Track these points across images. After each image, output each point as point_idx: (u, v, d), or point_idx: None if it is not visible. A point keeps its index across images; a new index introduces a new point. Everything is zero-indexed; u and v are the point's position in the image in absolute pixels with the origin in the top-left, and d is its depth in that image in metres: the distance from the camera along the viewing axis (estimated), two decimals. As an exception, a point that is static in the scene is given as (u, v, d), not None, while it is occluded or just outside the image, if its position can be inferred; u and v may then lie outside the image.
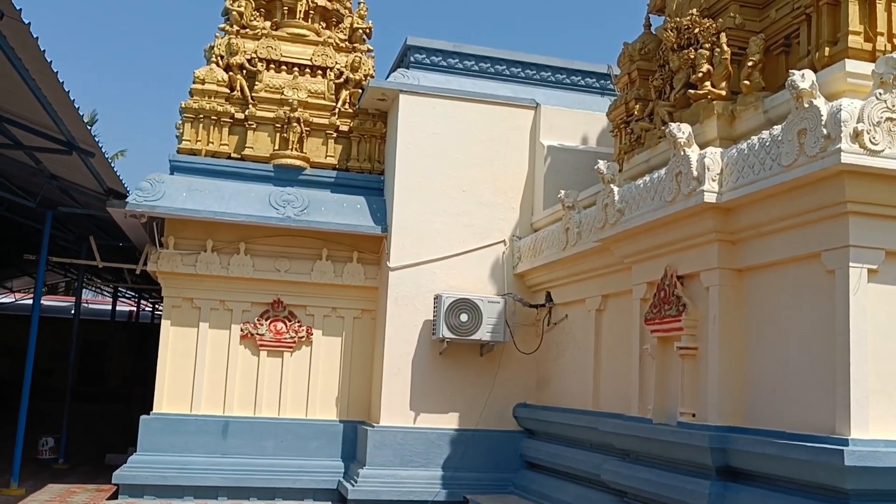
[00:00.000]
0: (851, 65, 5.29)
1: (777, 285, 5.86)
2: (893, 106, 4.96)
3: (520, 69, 11.43)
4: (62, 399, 13.58)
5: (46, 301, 32.11)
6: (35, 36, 5.07)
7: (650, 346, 7.05)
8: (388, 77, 11.42)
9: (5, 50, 5.23)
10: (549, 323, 9.81)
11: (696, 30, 6.88)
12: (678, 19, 7.17)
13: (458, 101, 10.50)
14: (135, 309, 25.12)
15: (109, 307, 20.68)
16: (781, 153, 5.37)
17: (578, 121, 10.72)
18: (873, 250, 5.15)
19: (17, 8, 4.62)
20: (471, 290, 10.07)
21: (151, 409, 10.12)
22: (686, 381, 6.55)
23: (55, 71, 5.68)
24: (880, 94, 4.98)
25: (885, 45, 5.54)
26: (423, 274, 10.10)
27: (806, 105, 5.18)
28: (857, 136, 4.90)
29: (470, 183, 10.35)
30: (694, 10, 7.06)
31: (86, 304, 21.35)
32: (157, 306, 28.80)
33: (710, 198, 6.03)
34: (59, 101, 6.40)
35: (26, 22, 4.82)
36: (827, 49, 5.68)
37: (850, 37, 5.55)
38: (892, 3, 5.65)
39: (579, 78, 11.64)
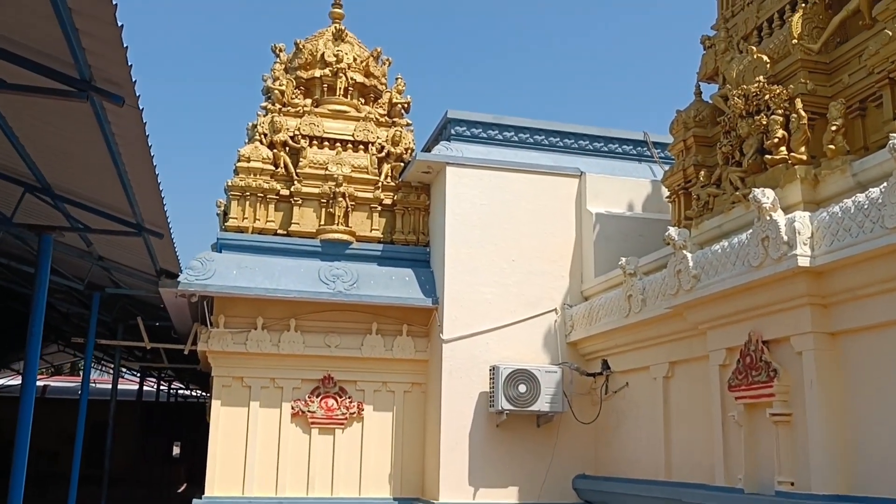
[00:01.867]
0: (952, 127, 5.35)
1: (879, 348, 5.81)
2: None
3: (558, 138, 11.55)
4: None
5: (51, 382, 31.72)
6: (144, 121, 5.07)
7: (736, 414, 6.94)
8: (426, 149, 11.55)
9: (108, 138, 5.25)
10: (607, 391, 9.69)
11: (767, 96, 6.98)
12: (745, 87, 7.27)
13: (502, 171, 10.57)
14: (137, 387, 24.79)
15: (110, 386, 20.27)
16: (885, 215, 5.38)
17: (622, 188, 10.79)
18: None
19: (137, 94, 4.62)
20: (524, 360, 9.97)
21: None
22: (782, 449, 6.43)
23: (152, 154, 5.68)
24: None
25: (976, 108, 5.61)
26: (476, 345, 10.00)
27: (909, 167, 5.21)
28: (969, 197, 4.92)
29: (518, 252, 10.35)
30: (761, 78, 7.18)
31: (93, 384, 21.03)
32: (171, 384, 28.48)
33: (803, 262, 6.01)
34: (142, 185, 6.40)
35: (141, 108, 4.83)
36: (918, 112, 5.75)
37: (943, 100, 5.63)
38: (978, 67, 5.75)
39: (617, 145, 11.76)
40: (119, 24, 3.79)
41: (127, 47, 4.06)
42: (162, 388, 28.05)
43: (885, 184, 5.47)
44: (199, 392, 30.68)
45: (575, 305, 10.23)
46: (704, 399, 7.65)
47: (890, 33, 6.00)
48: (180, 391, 31.08)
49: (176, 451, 29.81)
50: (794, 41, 7.06)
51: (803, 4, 7.28)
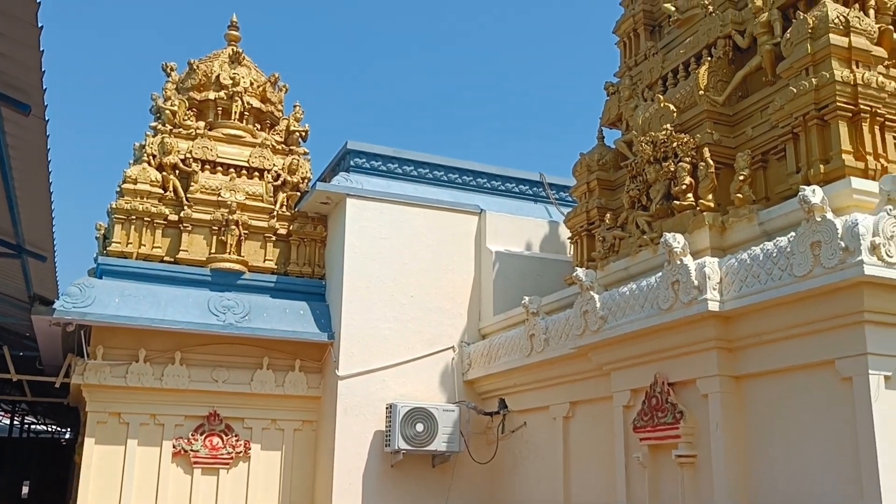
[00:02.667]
0: (856, 182, 5.61)
1: (782, 392, 5.98)
2: (902, 221, 5.27)
3: (458, 175, 11.55)
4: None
5: None
6: (48, 133, 4.65)
7: (641, 455, 6.99)
8: (323, 179, 11.30)
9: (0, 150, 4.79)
10: (504, 431, 9.62)
11: (674, 144, 7.17)
12: (653, 134, 7.45)
13: (403, 205, 10.45)
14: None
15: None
16: (793, 264, 5.57)
17: (521, 227, 10.87)
18: (888, 358, 5.36)
19: (45, 104, 4.23)
20: (422, 398, 9.79)
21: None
22: (686, 491, 6.51)
23: (50, 171, 5.22)
24: (890, 209, 5.29)
25: (875, 164, 5.93)
26: (372, 382, 9.75)
27: (818, 219, 5.42)
28: (874, 249, 5.16)
29: (417, 288, 10.21)
30: (668, 126, 7.38)
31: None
32: (24, 418, 26.48)
33: (713, 306, 6.14)
34: (32, 203, 5.88)
35: (47, 119, 4.42)
36: (822, 167, 6.02)
37: (844, 155, 5.92)
38: (875, 126, 6.09)
39: (514, 185, 11.87)
40: (39, 24, 3.44)
41: (43, 51, 3.69)
42: (14, 421, 26.07)
43: (793, 233, 5.67)
44: (54, 427, 28.70)
45: (473, 343, 10.16)
46: (606, 440, 7.69)
47: (795, 90, 6.28)
48: (33, 426, 28.98)
49: (25, 491, 27.72)
50: (701, 92, 7.30)
51: (708, 58, 7.56)
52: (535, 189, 12.02)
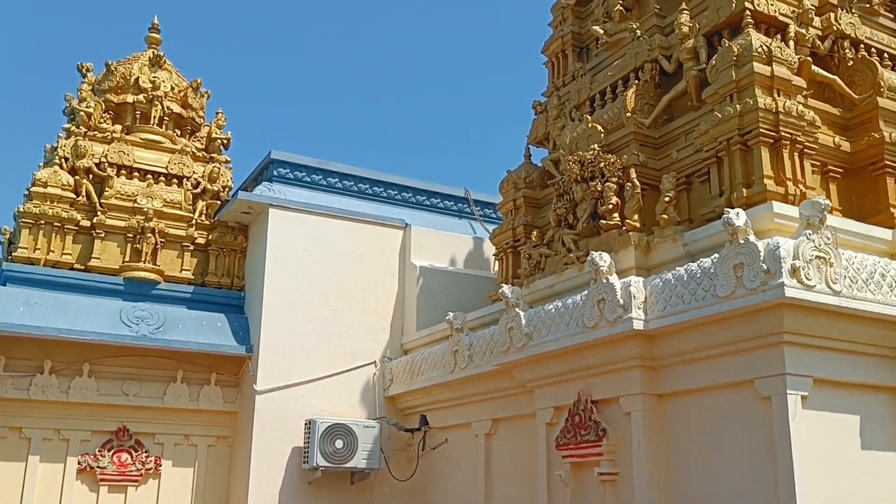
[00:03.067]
0: (777, 206, 5.77)
1: (703, 411, 6.08)
2: (821, 245, 5.44)
3: (383, 189, 11.46)
4: None
5: None
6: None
7: (563, 473, 7.00)
8: (245, 188, 11.03)
9: None
10: (425, 447, 9.53)
11: (602, 164, 7.26)
12: (580, 153, 7.53)
13: (327, 217, 10.29)
14: None
15: None
16: (716, 285, 5.68)
17: (445, 242, 10.84)
18: (804, 378, 5.51)
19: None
20: (342, 413, 9.62)
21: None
22: (608, 508, 6.55)
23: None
24: (809, 234, 5.45)
25: (794, 189, 6.12)
26: (291, 397, 9.52)
27: (741, 241, 5.55)
28: (794, 272, 5.30)
29: (340, 302, 10.05)
30: (595, 146, 7.47)
31: None
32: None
33: (637, 325, 6.21)
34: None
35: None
36: (745, 191, 6.17)
37: (766, 180, 6.09)
38: (794, 153, 6.29)
39: (439, 200, 11.86)
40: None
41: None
42: None
43: (716, 255, 5.79)
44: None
45: (395, 359, 10.05)
46: (529, 457, 7.68)
47: (720, 115, 6.44)
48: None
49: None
50: (628, 114, 7.42)
51: (636, 81, 7.70)
52: (460, 205, 12.02)
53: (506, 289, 7.69)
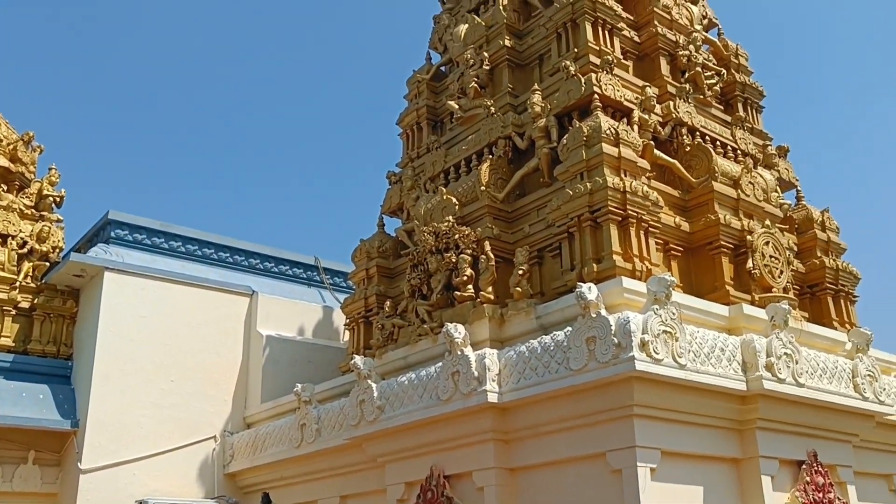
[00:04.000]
0: (626, 281, 5.96)
1: (556, 484, 6.08)
2: (667, 320, 5.65)
3: (229, 254, 11.08)
4: None
5: None
6: None
7: (414, 551, 6.78)
8: (78, 250, 10.39)
9: None
10: (267, 527, 9.02)
11: (456, 236, 7.30)
12: (435, 225, 7.55)
13: (168, 282, 9.77)
14: None
15: None
16: (569, 358, 5.75)
17: (294, 311, 10.54)
18: (653, 450, 5.63)
19: None
20: (177, 493, 8.98)
21: None
22: (460, 587, 6.37)
23: None
24: (656, 309, 5.65)
25: (640, 265, 6.36)
26: (121, 476, 8.81)
27: (594, 315, 5.67)
28: (643, 345, 5.46)
29: (179, 372, 9.49)
30: (450, 217, 7.52)
31: None
32: None
33: (492, 398, 6.18)
34: None
35: None
36: (595, 266, 6.36)
37: (615, 256, 6.31)
38: (641, 230, 6.57)
39: (288, 267, 11.59)
40: None
41: None
42: None
43: (568, 328, 5.89)
44: None
45: (237, 433, 9.55)
46: (378, 535, 7.41)
47: (571, 192, 6.65)
48: None
49: None
50: (482, 188, 7.54)
51: (489, 156, 7.86)
52: (309, 273, 11.79)
53: (357, 360, 7.50)
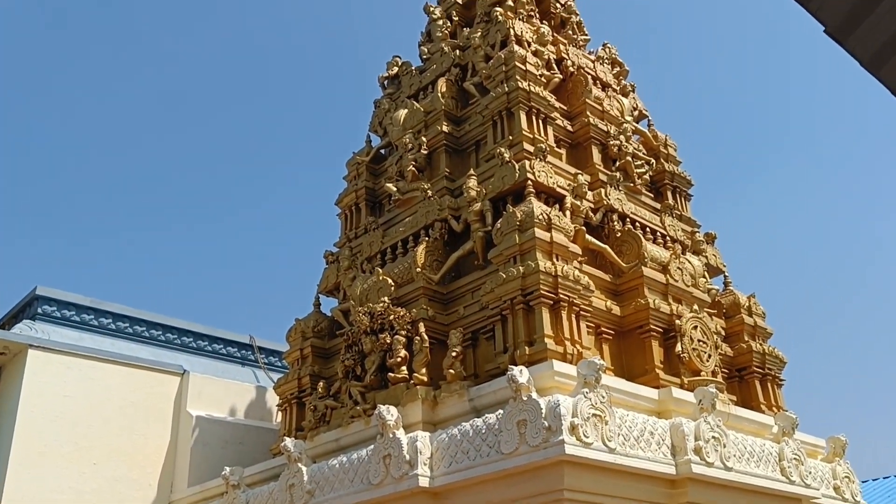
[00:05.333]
0: (557, 365, 6.02)
1: (486, 571, 5.99)
2: (597, 403, 5.71)
3: (161, 332, 10.87)
4: None
5: None
6: None
7: None
8: (3, 326, 10.06)
9: None
10: None
11: (391, 317, 7.32)
12: (370, 305, 7.57)
13: (97, 361, 9.52)
14: None
15: None
16: (501, 441, 5.75)
17: (226, 390, 10.32)
18: (581, 536, 5.60)
19: None
20: (95, 584, 8.55)
21: None
22: None
23: None
24: (586, 392, 5.71)
25: (572, 348, 6.45)
26: (34, 566, 8.37)
27: (524, 398, 5.70)
28: (573, 429, 5.49)
29: (103, 454, 9.16)
30: (386, 298, 7.54)
31: None
32: None
33: (423, 482, 6.11)
34: None
35: None
36: (527, 348, 6.42)
37: (547, 339, 6.38)
38: (572, 314, 6.67)
39: (221, 346, 11.40)
40: None
41: None
42: None
43: (500, 411, 5.90)
44: None
45: (161, 519, 9.20)
46: None
47: (504, 276, 6.75)
48: None
49: None
50: (418, 270, 7.61)
51: (425, 238, 7.96)
52: (243, 352, 11.61)
53: (288, 442, 7.37)
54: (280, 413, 9.00)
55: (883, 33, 2.17)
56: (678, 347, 7.23)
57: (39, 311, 9.93)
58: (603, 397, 5.77)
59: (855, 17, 2.19)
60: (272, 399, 10.20)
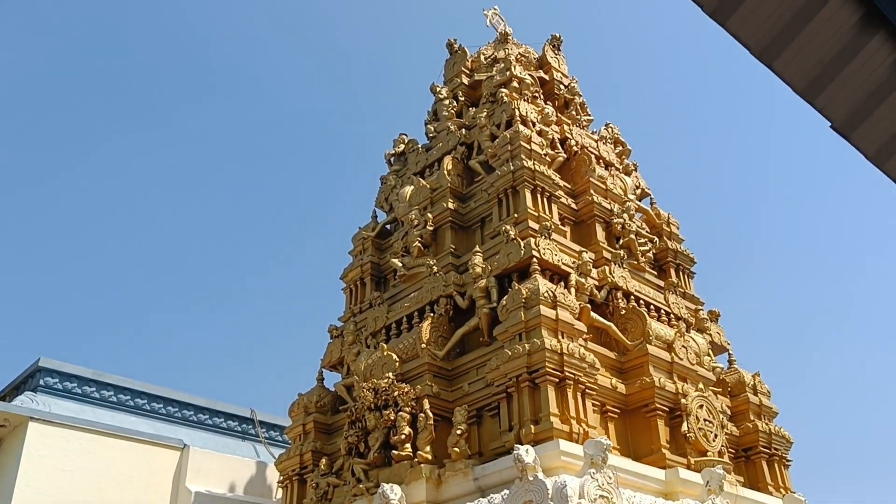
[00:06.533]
0: (564, 444, 5.98)
1: None
2: (604, 485, 5.66)
3: (161, 405, 10.80)
4: None
5: None
6: None
7: None
8: (2, 397, 10.00)
9: None
10: None
11: (395, 393, 7.29)
12: (375, 381, 7.54)
13: (96, 434, 9.43)
14: None
15: None
16: (507, 522, 5.68)
17: (226, 466, 10.20)
18: None
19: None
20: None
21: None
22: None
23: None
24: (593, 472, 5.67)
25: (578, 427, 6.40)
26: None
27: (531, 478, 5.66)
28: (581, 511, 5.43)
29: (99, 531, 9.00)
30: (390, 374, 7.53)
31: None
32: None
33: (428, 564, 6.01)
34: None
35: None
36: (532, 427, 6.38)
37: (552, 418, 6.35)
38: (578, 392, 6.65)
39: (222, 420, 11.30)
40: None
41: None
42: None
43: (506, 491, 5.85)
44: None
45: None
46: None
47: (509, 352, 6.76)
48: None
49: None
50: (423, 346, 7.61)
51: (431, 314, 7.98)
52: (244, 426, 11.50)
53: (291, 522, 7.25)
54: (281, 490, 8.88)
55: (886, 130, 2.26)
56: (684, 427, 7.17)
57: (41, 382, 9.89)
58: (610, 478, 5.72)
59: (859, 114, 2.27)
60: (273, 475, 10.07)
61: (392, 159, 10.58)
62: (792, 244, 29.18)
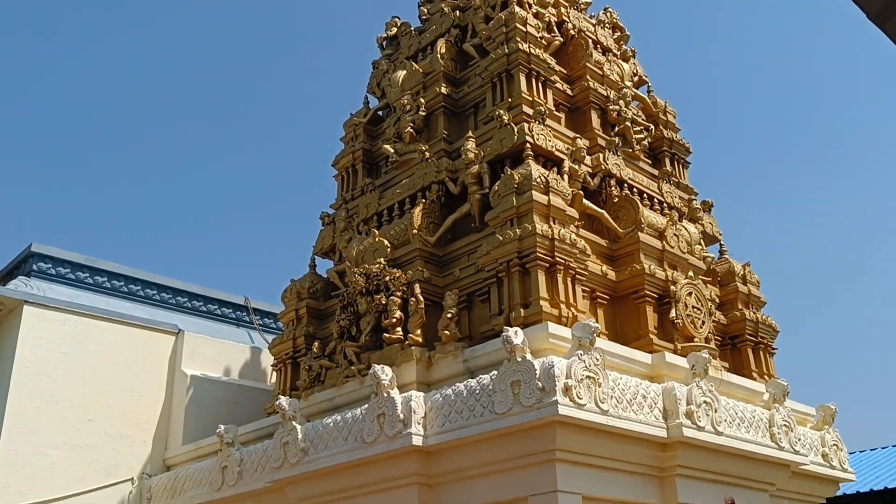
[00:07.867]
0: (552, 327, 6.04)
1: (479, 529, 6.05)
2: (591, 366, 5.74)
3: (156, 291, 10.87)
4: None
5: None
6: None
7: None
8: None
9: None
10: (182, 575, 8.73)
11: (387, 278, 7.32)
12: (366, 266, 7.56)
13: (91, 318, 9.52)
14: None
15: None
16: (494, 401, 5.78)
17: (220, 351, 10.34)
18: (575, 495, 5.66)
19: None
20: (89, 538, 8.64)
21: None
22: None
23: None
24: (581, 354, 5.73)
25: (567, 311, 6.46)
26: (29, 520, 8.44)
27: (519, 359, 5.72)
28: (567, 390, 5.52)
29: (98, 411, 9.20)
30: (382, 260, 7.54)
31: None
32: None
33: (417, 440, 6.15)
34: None
35: None
36: (522, 311, 6.43)
37: (542, 302, 6.39)
38: (568, 277, 6.68)
39: (216, 307, 11.41)
40: None
41: None
42: None
43: (494, 371, 5.92)
44: None
45: (155, 475, 9.27)
46: (296, 582, 7.23)
47: (501, 238, 6.75)
48: None
49: None
50: (414, 232, 7.60)
51: (422, 200, 7.93)
52: (238, 313, 11.62)
53: (283, 401, 7.40)
54: (274, 373, 9.04)
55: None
56: (672, 313, 7.25)
57: (34, 267, 9.92)
58: (597, 360, 5.80)
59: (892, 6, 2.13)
60: (267, 360, 10.24)
61: (384, 43, 10.31)
62: (790, 135, 28.94)
